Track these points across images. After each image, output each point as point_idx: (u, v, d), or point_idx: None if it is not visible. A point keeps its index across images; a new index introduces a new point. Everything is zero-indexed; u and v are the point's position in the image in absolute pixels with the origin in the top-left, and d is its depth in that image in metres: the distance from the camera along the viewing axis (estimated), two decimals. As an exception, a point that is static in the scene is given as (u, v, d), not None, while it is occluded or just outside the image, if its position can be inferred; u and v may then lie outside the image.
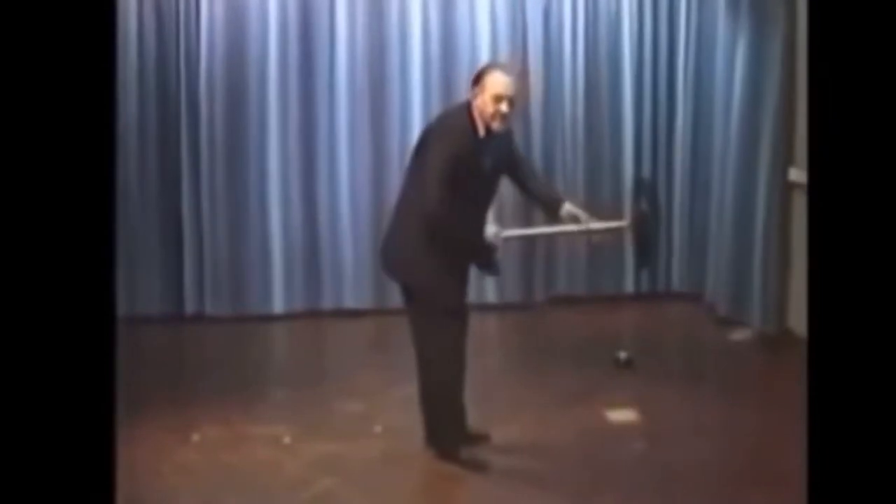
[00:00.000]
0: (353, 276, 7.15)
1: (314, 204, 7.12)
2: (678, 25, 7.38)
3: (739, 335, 6.52)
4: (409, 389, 4.75)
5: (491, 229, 4.47)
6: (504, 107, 4.29)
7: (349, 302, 7.17)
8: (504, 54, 6.86)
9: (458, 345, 4.48)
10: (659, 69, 7.42)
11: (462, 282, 4.57)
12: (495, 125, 4.31)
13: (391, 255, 4.57)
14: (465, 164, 4.25)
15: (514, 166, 4.63)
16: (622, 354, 5.97)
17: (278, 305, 7.09)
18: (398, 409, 5.12)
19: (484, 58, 6.71)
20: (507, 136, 4.52)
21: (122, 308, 6.61)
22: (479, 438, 4.66)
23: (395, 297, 7.03)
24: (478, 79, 4.38)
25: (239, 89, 6.94)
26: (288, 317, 7.06)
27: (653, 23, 7.37)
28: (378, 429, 4.97)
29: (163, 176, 6.97)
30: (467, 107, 4.37)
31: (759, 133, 6.45)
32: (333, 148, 7.05)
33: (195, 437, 4.87)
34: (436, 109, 6.37)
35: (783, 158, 6.32)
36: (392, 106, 7.07)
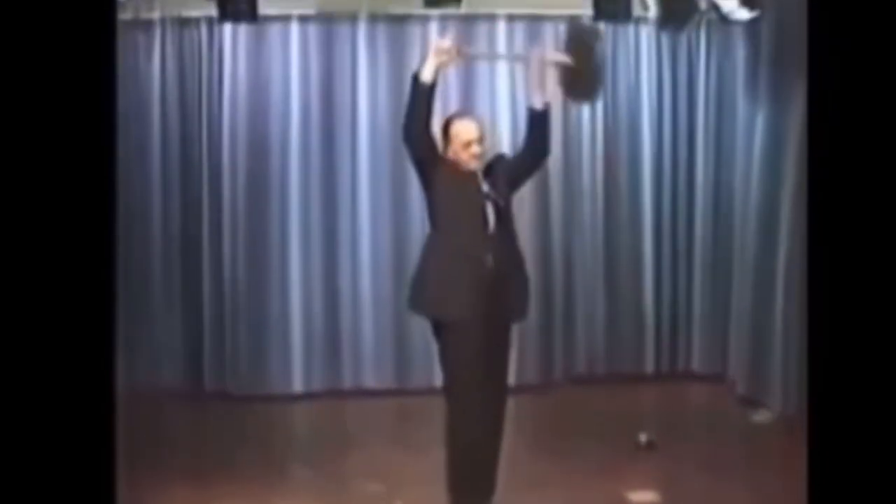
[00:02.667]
0: (373, 356, 7.16)
1: (334, 283, 7.16)
2: (697, 104, 7.43)
3: (760, 417, 6.46)
4: (429, 469, 4.72)
5: None
6: (475, 149, 4.55)
7: (369, 381, 7.17)
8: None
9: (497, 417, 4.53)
10: (678, 149, 7.46)
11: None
12: (473, 166, 4.55)
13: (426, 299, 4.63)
14: (470, 193, 4.53)
15: (509, 169, 4.74)
16: (643, 436, 5.92)
17: (298, 384, 7.09)
18: (418, 489, 5.08)
19: (504, 144, 6.51)
20: (499, 163, 4.72)
21: (142, 385, 6.67)
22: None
23: (416, 377, 7.11)
24: (444, 133, 4.62)
25: (261, 167, 7.06)
26: (308, 396, 7.05)
27: (672, 99, 7.43)
28: (398, 506, 4.95)
29: (185, 255, 7.06)
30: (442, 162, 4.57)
31: (778, 214, 6.47)
32: (355, 226, 7.12)
33: (214, 517, 4.86)
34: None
35: (802, 238, 6.32)
36: (413, 187, 7.09)
